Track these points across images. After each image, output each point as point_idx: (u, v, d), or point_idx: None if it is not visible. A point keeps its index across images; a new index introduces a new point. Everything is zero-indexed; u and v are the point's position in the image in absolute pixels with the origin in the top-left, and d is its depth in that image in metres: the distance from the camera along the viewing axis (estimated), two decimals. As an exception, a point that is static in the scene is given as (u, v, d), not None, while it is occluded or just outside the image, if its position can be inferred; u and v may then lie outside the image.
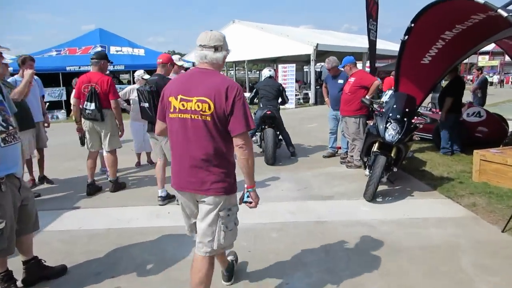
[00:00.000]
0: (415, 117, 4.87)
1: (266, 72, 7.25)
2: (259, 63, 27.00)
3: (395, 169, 4.69)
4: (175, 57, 9.21)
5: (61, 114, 16.57)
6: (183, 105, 2.17)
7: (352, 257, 3.26)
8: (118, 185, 5.45)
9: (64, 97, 16.43)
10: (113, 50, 18.55)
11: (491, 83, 27.28)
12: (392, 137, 4.50)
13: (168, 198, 4.85)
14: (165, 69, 4.85)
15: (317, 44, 18.16)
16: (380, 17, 8.96)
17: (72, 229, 4.07)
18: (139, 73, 6.60)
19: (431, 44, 5.93)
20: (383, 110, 4.82)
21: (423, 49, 6.02)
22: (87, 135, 5.31)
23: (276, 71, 21.14)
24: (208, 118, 2.13)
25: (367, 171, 4.76)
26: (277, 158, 6.81)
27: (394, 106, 4.68)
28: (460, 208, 4.37)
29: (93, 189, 5.34)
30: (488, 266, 3.08)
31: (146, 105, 4.58)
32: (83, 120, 5.27)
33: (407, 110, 4.65)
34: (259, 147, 7.39)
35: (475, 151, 5.31)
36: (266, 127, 6.77)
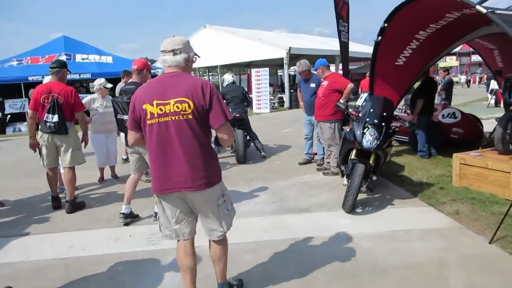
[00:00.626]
0: (393, 121, 4.62)
1: (229, 78, 7.64)
2: (233, 68, 26.69)
3: (374, 178, 4.43)
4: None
5: (23, 126, 15.65)
6: (160, 109, 2.24)
7: (333, 282, 2.94)
8: (76, 205, 4.96)
9: (26, 109, 15.54)
10: (79, 58, 17.88)
11: (457, 83, 27.98)
12: (370, 143, 4.23)
13: (131, 217, 4.41)
14: (141, 76, 4.48)
15: (290, 47, 18.01)
16: (350, 20, 8.76)
17: (18, 260, 3.57)
18: (100, 81, 6.13)
19: (405, 44, 5.75)
20: (359, 114, 4.55)
21: (397, 50, 5.84)
22: (44, 151, 4.89)
23: (249, 75, 20.97)
24: (190, 116, 2.24)
25: (345, 181, 4.47)
26: (249, 158, 7.32)
27: (371, 110, 4.42)
28: (443, 217, 4.13)
29: (59, 202, 4.99)
30: (479, 284, 2.82)
31: (125, 117, 4.19)
32: (39, 133, 4.84)
33: (384, 114, 4.39)
34: (229, 148, 7.91)
35: (454, 154, 5.12)
36: (235, 129, 7.09)
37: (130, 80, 4.67)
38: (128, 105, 4.04)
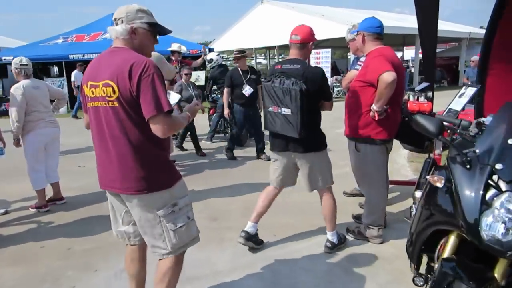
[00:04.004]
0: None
1: (219, 59, 7.38)
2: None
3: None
4: (174, 45, 7.17)
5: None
6: (92, 92, 1.93)
7: None
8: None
9: (65, 88, 14.72)
10: (122, 35, 16.62)
11: None
12: (503, 234, 1.57)
13: (253, 242, 3.14)
14: (304, 51, 2.93)
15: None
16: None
17: None
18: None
19: None
20: (477, 150, 1.82)
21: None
22: None
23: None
24: (116, 104, 1.85)
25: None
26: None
27: (510, 142, 1.72)
28: None
29: None
30: None
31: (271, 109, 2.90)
32: None
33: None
34: (224, 135, 7.72)
35: None
36: None
37: (288, 57, 3.02)
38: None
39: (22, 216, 4.00)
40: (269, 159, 6.07)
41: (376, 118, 2.92)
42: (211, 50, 15.52)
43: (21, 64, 3.96)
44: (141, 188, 1.91)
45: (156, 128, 1.84)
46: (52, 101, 4.39)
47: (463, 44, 20.37)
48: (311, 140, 2.90)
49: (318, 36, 13.72)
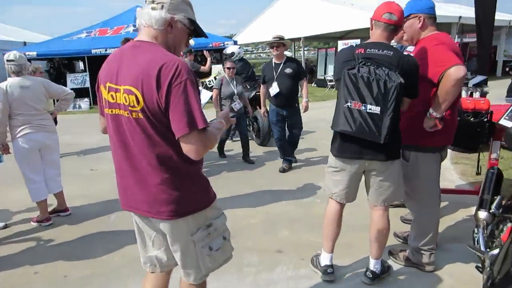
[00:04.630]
0: None
1: (241, 53, 7.18)
2: (319, 40, 23.06)
3: None
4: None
5: (84, 103, 14.61)
6: (112, 96, 1.58)
7: None
8: None
9: (87, 84, 14.64)
10: (146, 29, 16.40)
11: None
12: None
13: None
14: (393, 36, 2.39)
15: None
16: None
17: None
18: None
19: None
20: None
21: None
22: None
23: (336, 49, 17.45)
24: (140, 115, 1.51)
25: None
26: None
27: None
28: None
29: None
30: None
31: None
32: None
33: None
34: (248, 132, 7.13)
35: None
36: (257, 108, 6.35)
37: (372, 40, 2.37)
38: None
39: (22, 231, 3.61)
40: (295, 161, 5.59)
41: (439, 127, 2.32)
42: (235, 42, 15.03)
43: (7, 60, 3.46)
44: (174, 214, 1.61)
45: (189, 149, 1.50)
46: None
47: (502, 33, 19.02)
48: (393, 146, 2.34)
49: (348, 26, 13.05)
